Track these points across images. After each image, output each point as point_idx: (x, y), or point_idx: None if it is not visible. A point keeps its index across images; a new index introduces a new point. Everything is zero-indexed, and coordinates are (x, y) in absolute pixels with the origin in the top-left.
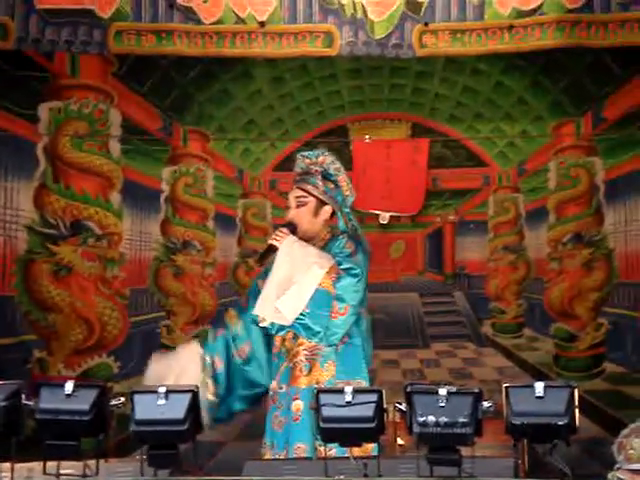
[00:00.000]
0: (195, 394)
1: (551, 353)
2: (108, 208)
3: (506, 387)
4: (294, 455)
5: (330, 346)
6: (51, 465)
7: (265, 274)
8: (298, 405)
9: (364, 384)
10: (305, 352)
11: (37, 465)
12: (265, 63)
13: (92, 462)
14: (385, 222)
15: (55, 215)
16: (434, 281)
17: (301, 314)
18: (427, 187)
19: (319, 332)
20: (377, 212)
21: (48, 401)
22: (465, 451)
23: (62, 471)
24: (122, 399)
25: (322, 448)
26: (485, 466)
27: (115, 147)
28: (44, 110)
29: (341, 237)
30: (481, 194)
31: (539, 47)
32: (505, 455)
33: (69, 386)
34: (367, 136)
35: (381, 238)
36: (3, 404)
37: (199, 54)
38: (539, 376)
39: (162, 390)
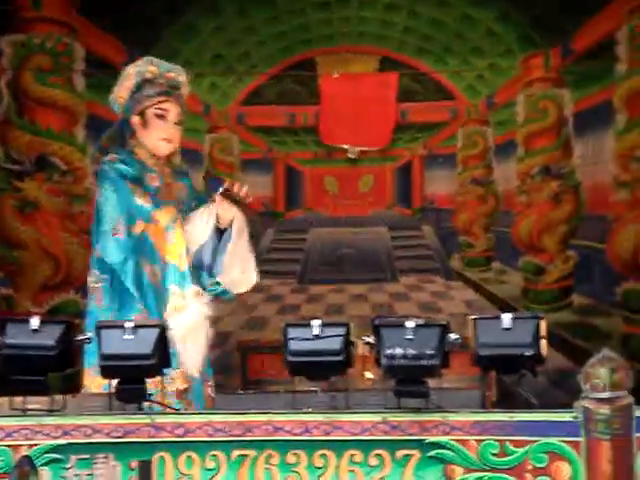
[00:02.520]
0: (162, 329)
1: (520, 286)
2: (73, 143)
3: (473, 319)
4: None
5: None
6: (18, 400)
7: None
8: None
9: None
10: None
11: (4, 400)
12: None
13: (59, 397)
14: (354, 156)
15: (20, 151)
16: (403, 215)
17: None
18: (396, 121)
19: None
20: (346, 146)
21: (14, 337)
22: (433, 383)
23: (29, 406)
24: (89, 334)
25: None
26: (452, 398)
27: (79, 81)
28: (6, 44)
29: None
30: (450, 127)
31: None
32: (472, 387)
33: (35, 322)
34: (335, 73)
35: (350, 172)
36: None
37: None
38: (508, 309)
39: (129, 325)
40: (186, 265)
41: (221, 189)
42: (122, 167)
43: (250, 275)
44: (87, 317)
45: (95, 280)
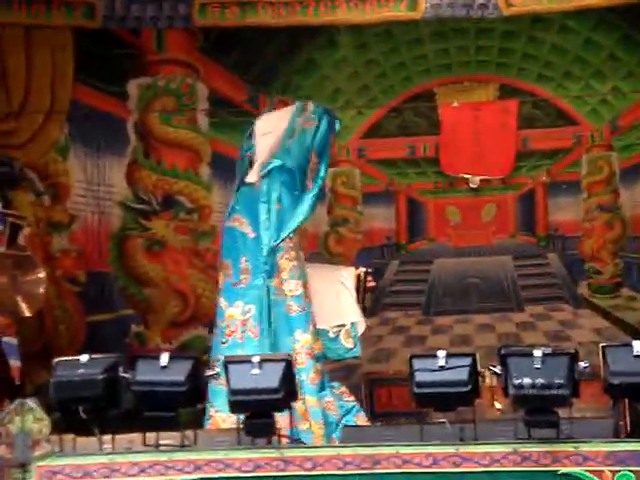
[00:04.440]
0: (289, 362)
1: None
2: (198, 181)
3: (603, 347)
4: None
5: None
6: (150, 436)
7: None
8: None
9: None
10: None
11: (137, 436)
12: (350, 30)
13: (190, 432)
14: (475, 186)
15: (147, 191)
16: (527, 243)
17: None
18: (517, 148)
19: None
20: (467, 176)
21: (145, 373)
22: (563, 413)
23: (161, 441)
24: (217, 369)
25: None
26: (584, 427)
27: (203, 120)
28: (133, 87)
29: None
30: (573, 153)
31: (630, 0)
32: (604, 416)
33: (164, 358)
34: (455, 103)
35: (472, 202)
36: (101, 377)
37: (283, 24)
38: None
39: (256, 359)
40: None
41: (365, 269)
42: None
43: None
44: None
45: None
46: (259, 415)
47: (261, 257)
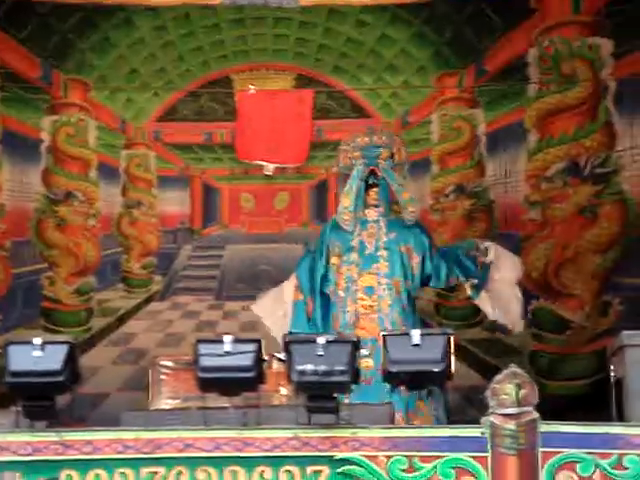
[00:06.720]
0: (72, 345)
1: (433, 302)
2: None
3: (384, 335)
4: None
5: None
6: None
7: None
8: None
9: None
10: None
11: None
12: (147, 11)
13: None
14: (270, 173)
15: None
16: (318, 232)
17: None
18: (312, 138)
19: None
20: (262, 163)
21: None
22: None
23: None
24: None
25: None
26: (363, 413)
27: None
28: None
29: None
30: None
31: None
32: (383, 403)
33: None
34: (251, 86)
35: (265, 189)
36: None
37: (79, 0)
38: (425, 325)
39: (38, 341)
40: None
41: None
42: None
43: None
44: None
45: None
46: (39, 398)
47: None
